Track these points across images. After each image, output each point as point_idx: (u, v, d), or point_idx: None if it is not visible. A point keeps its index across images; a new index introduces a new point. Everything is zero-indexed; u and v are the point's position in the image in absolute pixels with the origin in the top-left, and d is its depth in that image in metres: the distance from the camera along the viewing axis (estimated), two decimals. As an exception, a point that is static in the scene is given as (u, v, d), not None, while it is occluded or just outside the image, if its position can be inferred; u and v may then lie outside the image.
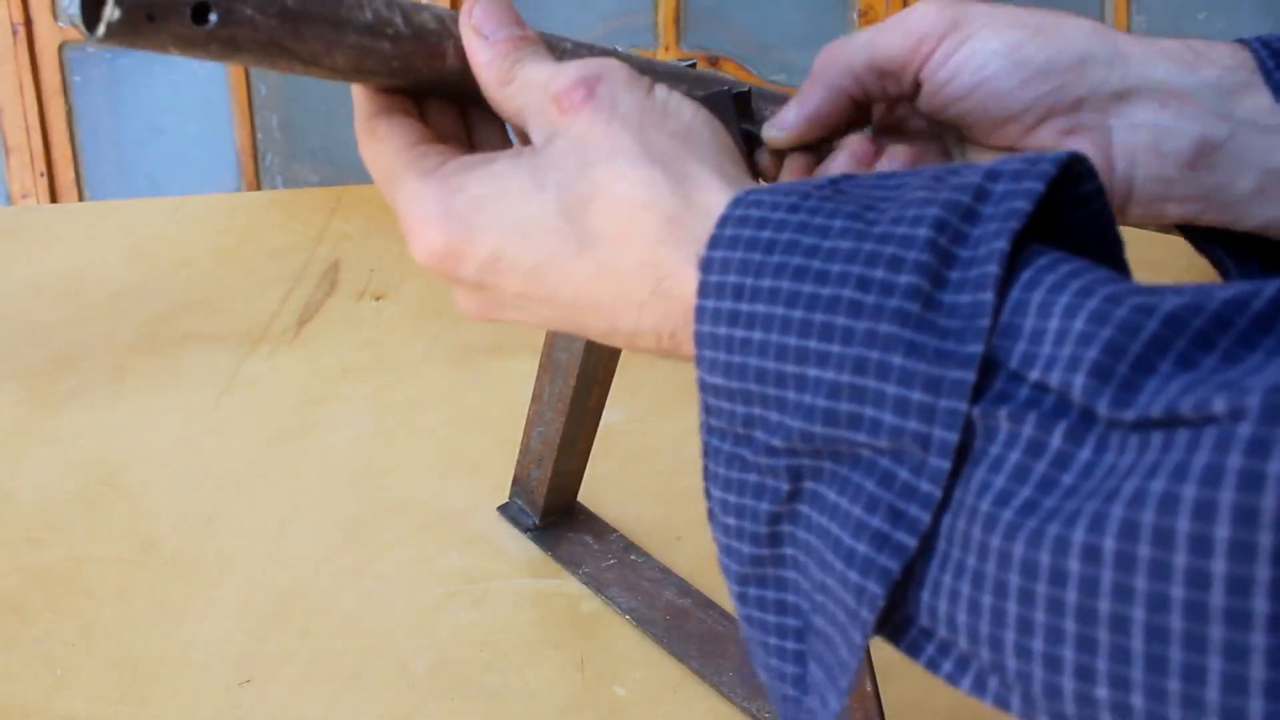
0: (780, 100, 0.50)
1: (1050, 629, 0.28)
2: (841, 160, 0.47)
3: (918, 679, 0.66)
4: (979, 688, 0.31)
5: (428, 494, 0.79)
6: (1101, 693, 0.27)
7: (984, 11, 0.45)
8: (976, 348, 0.30)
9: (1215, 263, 0.48)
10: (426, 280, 1.01)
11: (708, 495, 0.36)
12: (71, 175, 1.78)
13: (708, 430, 0.35)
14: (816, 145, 0.49)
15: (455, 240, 0.38)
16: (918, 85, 0.46)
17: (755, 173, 0.51)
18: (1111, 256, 0.34)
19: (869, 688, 0.57)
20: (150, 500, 0.78)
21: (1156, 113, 0.44)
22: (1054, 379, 0.29)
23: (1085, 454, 0.28)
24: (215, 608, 0.70)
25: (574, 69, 0.39)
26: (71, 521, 0.76)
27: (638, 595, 0.70)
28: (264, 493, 0.79)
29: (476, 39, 0.42)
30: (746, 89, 0.51)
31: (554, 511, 0.75)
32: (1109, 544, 0.26)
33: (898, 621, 0.32)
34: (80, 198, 1.78)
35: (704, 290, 0.34)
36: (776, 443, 0.33)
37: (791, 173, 0.49)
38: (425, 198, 0.39)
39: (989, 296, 0.30)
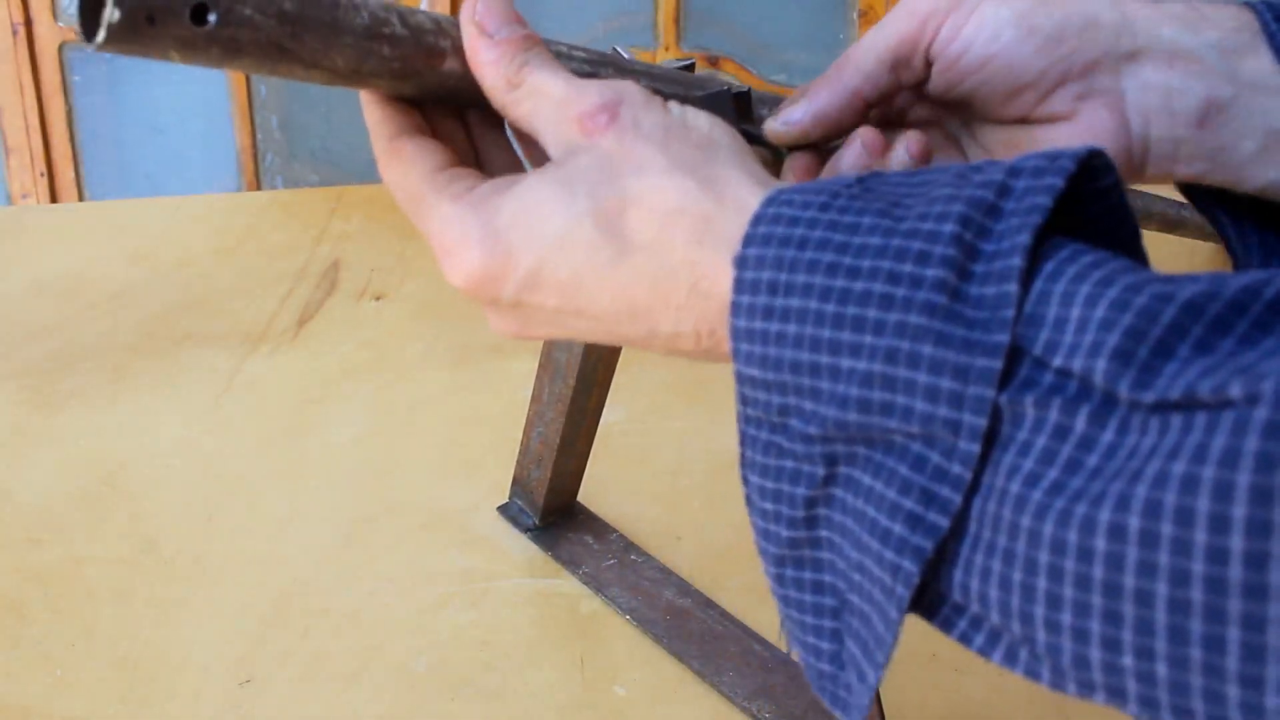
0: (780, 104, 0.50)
1: (1078, 603, 0.29)
2: (854, 151, 0.47)
3: (918, 679, 0.66)
4: (1010, 659, 0.32)
5: (428, 494, 0.79)
6: (1127, 662, 0.29)
7: None
8: (1003, 337, 0.31)
9: (1214, 222, 0.49)
10: (426, 280, 1.01)
11: (745, 481, 0.37)
12: (71, 175, 1.78)
13: (744, 420, 0.37)
14: (817, 146, 0.49)
15: (495, 261, 0.39)
16: (928, 65, 0.46)
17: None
18: (1130, 246, 0.35)
19: (869, 688, 0.57)
20: (150, 500, 0.78)
21: (1165, 73, 0.44)
22: (1077, 365, 0.30)
23: (1108, 436, 0.30)
24: (215, 608, 0.70)
25: (594, 92, 0.40)
26: (71, 521, 0.77)
27: (638, 595, 0.70)
28: (264, 493, 0.79)
29: (480, 37, 0.42)
30: (746, 90, 0.51)
31: (554, 511, 0.75)
32: (1134, 523, 0.28)
33: (931, 599, 0.34)
34: (80, 198, 1.78)
35: (739, 286, 0.35)
36: (812, 430, 0.34)
37: (794, 174, 0.49)
38: (463, 222, 0.39)
39: (1013, 288, 0.31)
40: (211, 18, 0.36)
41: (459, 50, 0.43)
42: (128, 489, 0.79)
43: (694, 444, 0.83)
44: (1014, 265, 0.31)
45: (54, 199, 1.77)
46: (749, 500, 0.37)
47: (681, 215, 0.37)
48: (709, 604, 0.70)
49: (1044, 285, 0.31)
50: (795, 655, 0.38)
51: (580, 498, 0.77)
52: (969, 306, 0.32)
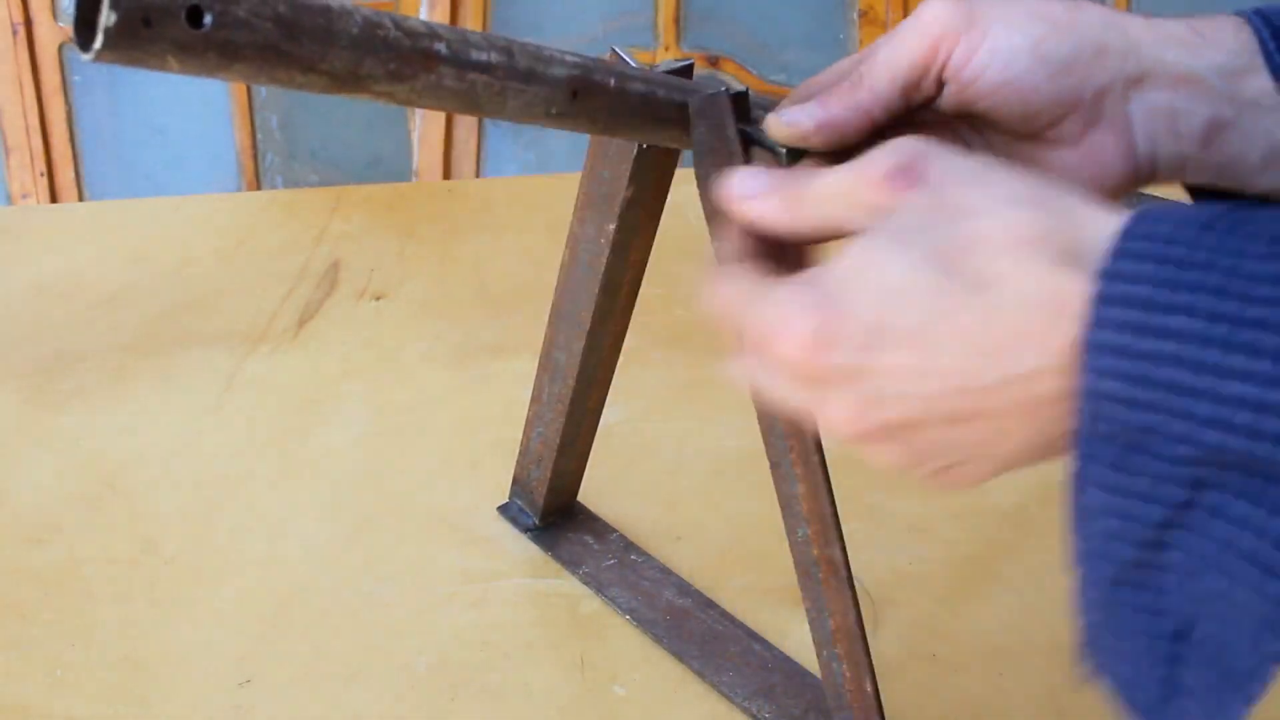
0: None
1: None
2: None
3: (918, 679, 0.66)
4: None
5: (428, 494, 0.79)
6: None
7: (997, 3, 0.45)
8: None
9: None
10: (426, 280, 1.01)
11: (1077, 499, 0.36)
12: (71, 175, 1.78)
13: (1089, 437, 0.35)
14: (809, 154, 0.49)
15: (825, 320, 0.37)
16: (940, 85, 0.46)
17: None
18: None
19: (869, 688, 0.57)
20: (150, 500, 0.78)
21: (1170, 95, 0.45)
22: None
23: None
24: (215, 608, 0.70)
25: (887, 156, 0.39)
26: (71, 521, 0.77)
27: (638, 595, 0.70)
28: (264, 493, 0.79)
29: (746, 202, 0.43)
30: (744, 90, 0.51)
31: (554, 511, 0.75)
32: None
33: None
34: (80, 198, 1.78)
35: (1106, 299, 0.34)
36: (1182, 452, 0.33)
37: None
38: (791, 298, 0.38)
39: None
40: (207, 19, 0.36)
41: (454, 55, 0.43)
42: (128, 489, 0.79)
43: (694, 444, 0.83)
44: None
45: (54, 199, 1.77)
46: (1080, 519, 0.36)
47: (1036, 243, 0.35)
48: (709, 604, 0.70)
49: None
50: (1106, 681, 0.37)
51: (580, 498, 0.77)
52: None
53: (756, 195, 0.43)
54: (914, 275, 0.36)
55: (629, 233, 0.62)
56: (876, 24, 1.76)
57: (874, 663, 0.57)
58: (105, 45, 0.35)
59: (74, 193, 1.78)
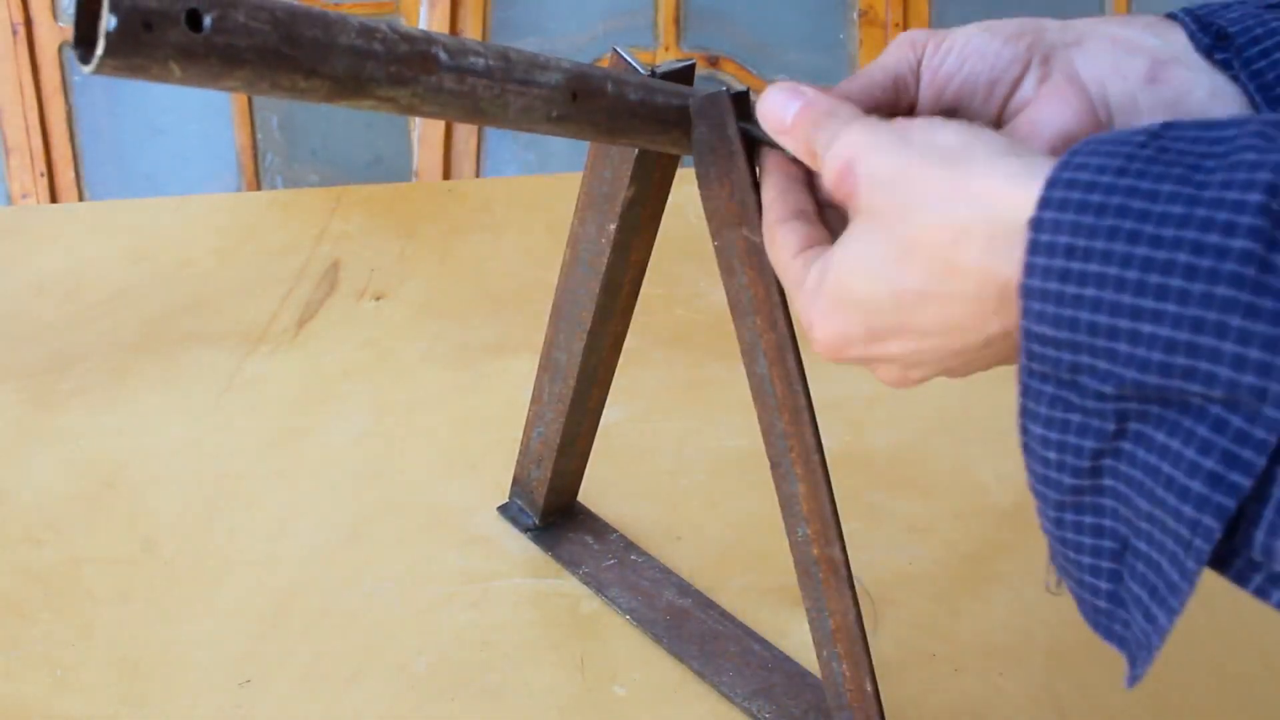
0: None
1: None
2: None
3: (918, 679, 0.66)
4: None
5: (428, 494, 0.79)
6: None
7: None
8: None
9: None
10: (426, 280, 1.01)
11: (1024, 431, 0.39)
12: (71, 175, 1.78)
13: (1028, 373, 0.38)
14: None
15: (837, 332, 0.45)
16: (918, 82, 0.52)
17: (753, 173, 0.51)
18: None
19: (869, 688, 0.57)
20: (150, 500, 0.78)
21: (1109, 48, 0.50)
22: None
23: None
24: (215, 608, 0.70)
25: (832, 158, 0.44)
26: (71, 521, 0.77)
27: (638, 595, 0.70)
28: (264, 493, 0.79)
29: (780, 135, 0.48)
30: (745, 90, 0.52)
31: (554, 511, 0.75)
32: None
33: (1223, 553, 0.35)
34: (80, 198, 1.78)
35: (1034, 248, 0.37)
36: (1107, 389, 0.36)
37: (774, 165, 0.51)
38: (809, 309, 0.46)
39: None
40: (207, 20, 0.37)
41: (453, 58, 0.43)
42: (128, 489, 0.79)
43: (694, 444, 0.83)
44: None
45: (54, 199, 1.77)
46: (1027, 448, 0.39)
47: (961, 238, 0.39)
48: (709, 604, 0.70)
49: None
50: (1061, 589, 0.41)
51: (580, 498, 0.77)
52: (1277, 277, 0.32)
53: (781, 131, 0.48)
54: (877, 283, 0.42)
55: (630, 232, 0.62)
56: (876, 24, 1.76)
57: (874, 663, 0.57)
58: (107, 52, 0.35)
59: (74, 193, 1.78)
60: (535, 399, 0.71)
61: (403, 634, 0.69)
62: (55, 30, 1.74)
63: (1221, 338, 0.33)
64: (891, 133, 0.43)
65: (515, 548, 0.74)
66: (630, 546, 0.74)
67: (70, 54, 1.72)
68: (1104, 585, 0.39)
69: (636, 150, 0.59)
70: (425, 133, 1.78)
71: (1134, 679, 0.38)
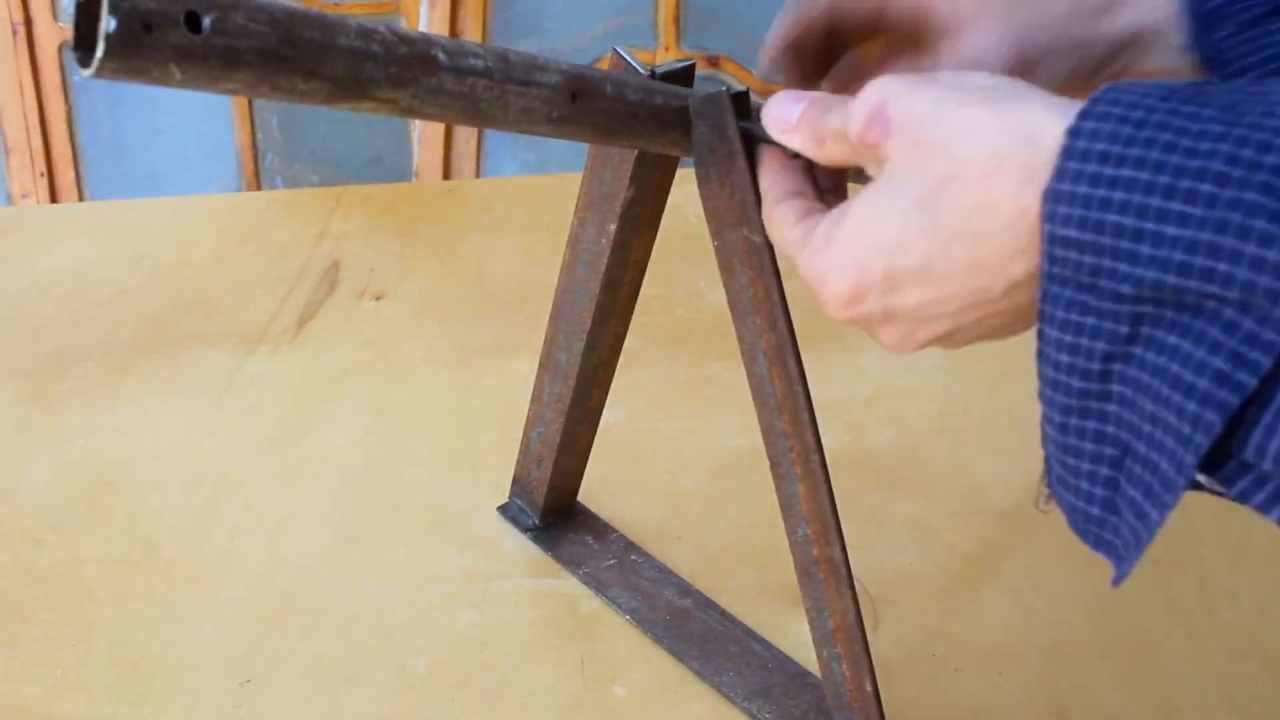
0: None
1: None
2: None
3: (918, 678, 0.66)
4: None
5: (428, 494, 0.79)
6: None
7: None
8: None
9: None
10: (426, 280, 1.01)
11: (1040, 336, 0.40)
12: (71, 175, 1.78)
13: (1049, 278, 0.39)
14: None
15: (851, 280, 0.44)
16: None
17: (753, 172, 0.51)
18: None
19: (869, 688, 0.57)
20: (150, 500, 0.78)
21: None
22: None
23: None
24: (215, 608, 0.70)
25: (861, 106, 0.43)
26: (71, 521, 0.77)
27: (638, 595, 0.70)
28: (264, 493, 0.79)
29: (783, 135, 0.48)
30: (745, 90, 0.52)
31: (554, 511, 0.75)
32: None
33: (1216, 456, 0.36)
34: (80, 198, 1.78)
35: (1068, 153, 0.37)
36: (1125, 290, 0.37)
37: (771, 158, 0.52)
38: (815, 264, 0.45)
39: None
40: (206, 22, 0.37)
41: (452, 59, 0.43)
42: (128, 489, 0.79)
43: (694, 444, 0.83)
44: None
45: (54, 199, 1.77)
46: (1041, 353, 0.40)
47: (997, 172, 0.39)
48: (709, 604, 0.70)
49: None
50: (1049, 506, 0.42)
51: (580, 498, 0.77)
52: None
53: (787, 130, 0.48)
54: (907, 223, 0.42)
55: (630, 232, 0.62)
56: (876, 24, 1.76)
57: (874, 663, 0.57)
58: (107, 54, 0.35)
59: (74, 193, 1.78)
60: (535, 399, 0.71)
61: (403, 634, 0.69)
62: (55, 30, 1.74)
63: (1243, 239, 0.34)
64: (920, 79, 0.43)
65: (515, 548, 0.74)
66: (630, 546, 0.74)
67: (70, 54, 1.72)
68: (1099, 492, 0.40)
69: (636, 151, 0.59)
70: (425, 133, 1.78)
71: (1120, 577, 0.39)
